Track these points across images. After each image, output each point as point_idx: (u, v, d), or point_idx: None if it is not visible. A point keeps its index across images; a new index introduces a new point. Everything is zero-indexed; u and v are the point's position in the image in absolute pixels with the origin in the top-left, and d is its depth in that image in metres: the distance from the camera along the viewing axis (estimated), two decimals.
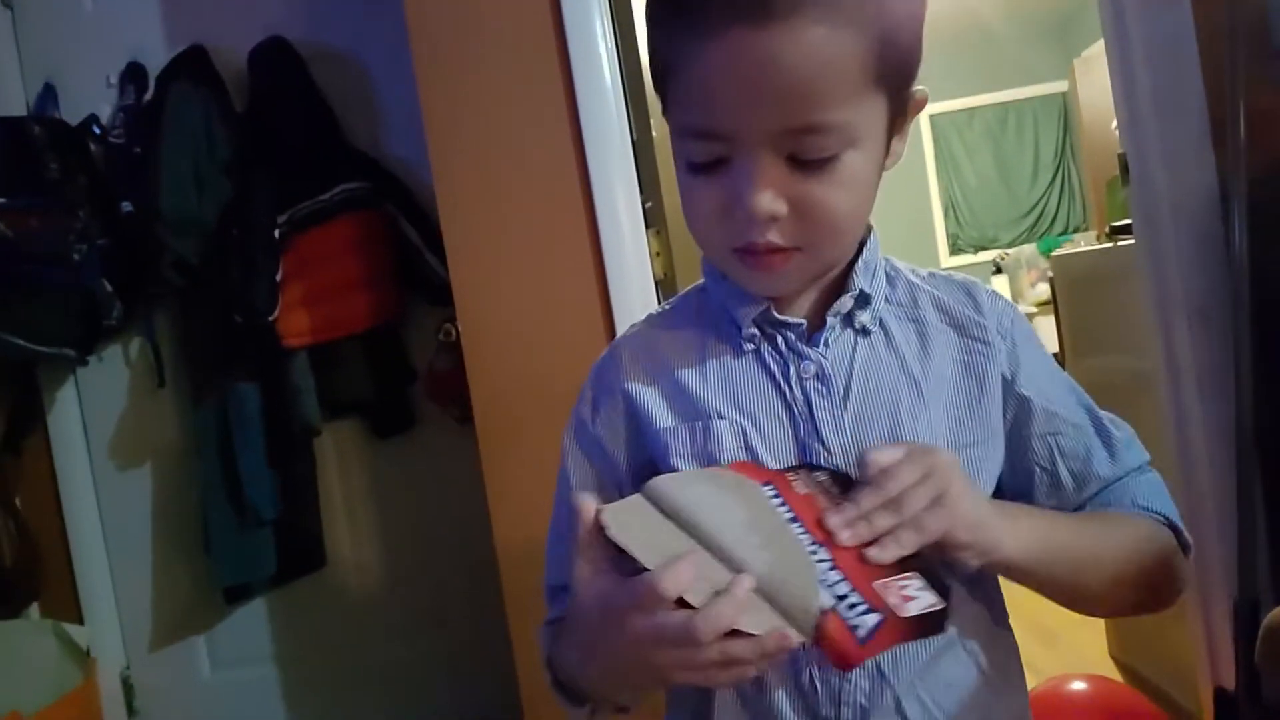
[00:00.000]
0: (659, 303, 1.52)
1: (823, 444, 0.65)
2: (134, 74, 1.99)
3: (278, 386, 1.85)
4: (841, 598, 0.51)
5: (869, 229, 0.71)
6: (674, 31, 0.59)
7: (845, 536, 0.54)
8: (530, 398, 1.52)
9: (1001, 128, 5.64)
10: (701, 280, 0.76)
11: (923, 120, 5.58)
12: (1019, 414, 0.69)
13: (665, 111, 0.65)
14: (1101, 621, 2.08)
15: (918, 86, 0.64)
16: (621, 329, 1.49)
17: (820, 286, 0.69)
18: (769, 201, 0.58)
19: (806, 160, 0.58)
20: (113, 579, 2.07)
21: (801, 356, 0.68)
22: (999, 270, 5.01)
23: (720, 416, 0.67)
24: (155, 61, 1.95)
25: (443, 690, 1.96)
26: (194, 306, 1.93)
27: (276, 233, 1.79)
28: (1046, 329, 4.30)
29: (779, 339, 0.68)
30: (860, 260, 0.69)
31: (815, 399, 0.66)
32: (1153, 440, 1.78)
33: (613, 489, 0.72)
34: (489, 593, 1.57)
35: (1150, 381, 1.58)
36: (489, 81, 1.53)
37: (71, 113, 1.99)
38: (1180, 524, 0.69)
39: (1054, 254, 2.36)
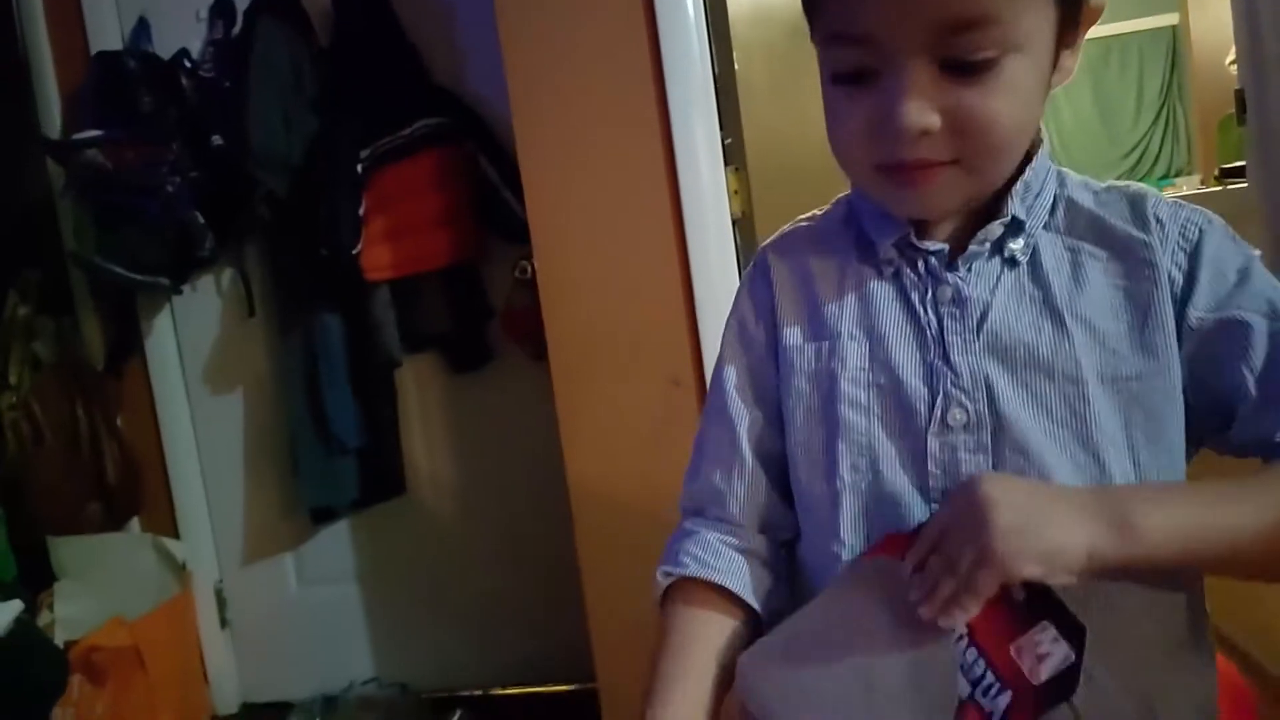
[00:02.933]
0: (735, 242, 1.50)
1: (951, 368, 0.63)
2: (222, 8, 2.01)
3: (360, 319, 1.90)
4: (978, 681, 0.51)
5: (1038, 143, 0.66)
6: None
7: (924, 613, 0.54)
8: (604, 336, 1.53)
9: (1104, 63, 5.33)
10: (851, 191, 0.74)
11: None
12: (1201, 338, 0.61)
13: (810, 24, 0.62)
14: None
15: None
16: (697, 269, 1.48)
17: (969, 208, 0.65)
18: (918, 113, 0.55)
19: (963, 63, 0.54)
20: (207, 497, 2.17)
21: (940, 281, 0.65)
22: None
23: (850, 337, 0.67)
24: None
25: (516, 617, 2.03)
26: (282, 239, 1.98)
27: (359, 168, 1.81)
28: None
29: (919, 263, 0.66)
30: (1020, 181, 0.64)
31: (948, 322, 0.64)
32: None
33: (768, 392, 0.72)
34: (561, 526, 1.60)
35: None
36: (568, 17, 1.50)
37: (164, 47, 2.03)
38: None
39: None
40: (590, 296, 1.55)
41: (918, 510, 0.63)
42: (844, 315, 0.68)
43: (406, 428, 2.07)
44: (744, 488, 0.71)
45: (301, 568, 2.18)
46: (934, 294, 0.65)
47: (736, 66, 1.52)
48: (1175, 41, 5.19)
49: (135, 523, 2.15)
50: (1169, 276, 0.62)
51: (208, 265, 2.05)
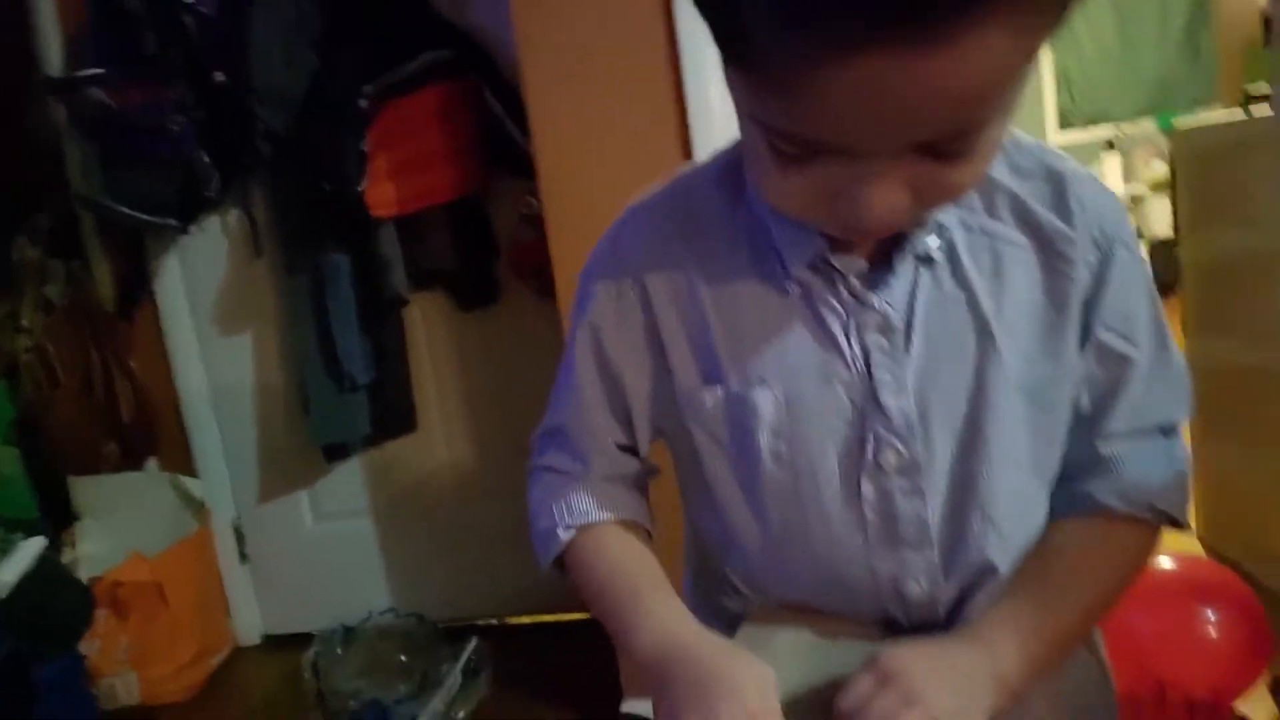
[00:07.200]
0: None
1: (881, 410, 0.57)
2: None
3: (367, 257, 1.89)
4: None
5: None
6: (780, 20, 0.39)
7: None
8: None
9: None
10: (733, 159, 0.62)
11: None
12: (1098, 352, 0.60)
13: (729, 75, 0.48)
14: (1190, 506, 2.03)
15: None
16: None
17: None
18: (889, 204, 0.46)
19: (944, 153, 0.45)
20: (222, 436, 2.20)
21: (864, 305, 0.57)
22: (1111, 147, 4.70)
23: (762, 383, 0.59)
24: None
25: (529, 548, 2.05)
26: (286, 178, 1.96)
27: (362, 103, 1.79)
28: (1160, 210, 4.05)
29: (837, 283, 0.57)
30: None
31: (876, 355, 0.57)
32: (1270, 320, 1.68)
33: (621, 411, 0.67)
34: None
35: (1273, 261, 1.48)
36: None
37: None
38: (1183, 515, 0.62)
39: (1178, 125, 2.19)
40: (597, 232, 1.53)
41: (855, 555, 0.60)
42: (747, 353, 0.59)
43: (416, 365, 2.08)
44: (605, 463, 0.69)
45: (317, 503, 2.21)
46: (857, 321, 0.57)
47: None
48: None
49: (153, 463, 2.18)
50: (1085, 269, 0.58)
51: (214, 205, 2.04)
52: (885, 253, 0.57)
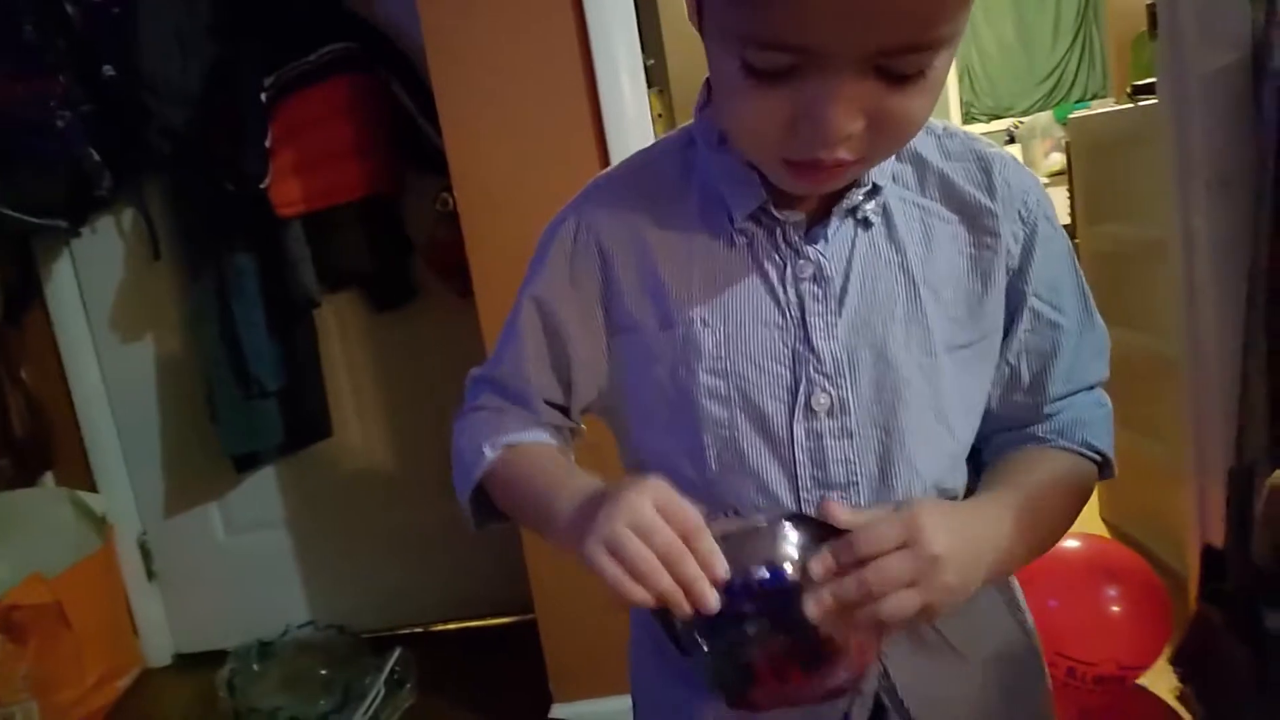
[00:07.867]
0: None
1: (813, 352, 0.61)
2: None
3: (274, 257, 1.83)
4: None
5: None
6: None
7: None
8: None
9: None
10: (688, 132, 0.67)
11: None
12: (1014, 310, 0.65)
13: (710, 17, 0.54)
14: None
15: None
16: None
17: None
18: (847, 120, 0.51)
19: (898, 75, 0.50)
20: (123, 448, 2.10)
21: (799, 255, 0.62)
22: (1012, 140, 4.87)
23: (704, 323, 0.63)
24: None
25: (452, 554, 2.02)
26: (185, 175, 1.88)
27: (264, 96, 1.72)
28: (1059, 200, 4.22)
29: (777, 233, 0.62)
30: None
31: (809, 302, 0.61)
32: (1162, 308, 1.75)
33: (563, 371, 0.69)
34: None
35: (1162, 250, 1.55)
36: None
37: None
38: (1112, 456, 0.68)
39: (1072, 117, 2.28)
40: (514, 227, 1.50)
41: (787, 498, 0.63)
42: (695, 296, 0.63)
43: (330, 369, 2.02)
44: (541, 413, 0.72)
45: (228, 516, 2.14)
46: (793, 270, 0.62)
47: None
48: None
49: (49, 477, 2.07)
50: (1007, 248, 0.64)
51: (107, 205, 1.95)
52: (825, 210, 0.62)
